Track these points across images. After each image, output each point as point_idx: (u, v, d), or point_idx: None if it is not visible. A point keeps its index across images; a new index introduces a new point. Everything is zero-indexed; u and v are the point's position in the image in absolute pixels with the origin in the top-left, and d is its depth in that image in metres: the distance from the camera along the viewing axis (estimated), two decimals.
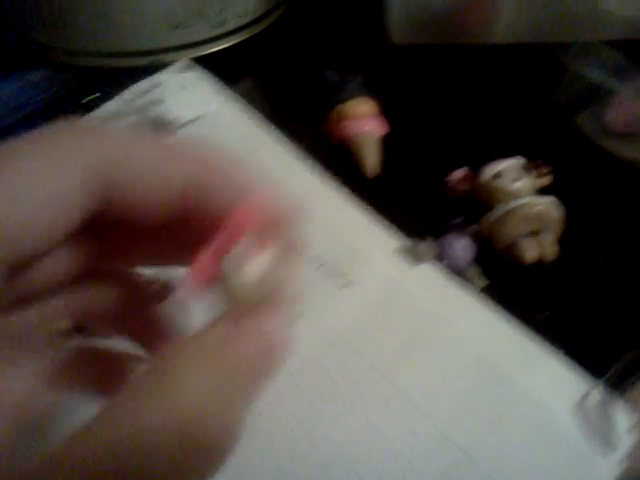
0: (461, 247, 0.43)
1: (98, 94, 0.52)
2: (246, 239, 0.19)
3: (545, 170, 0.46)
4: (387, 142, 0.51)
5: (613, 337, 0.41)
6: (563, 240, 0.44)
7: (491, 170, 0.45)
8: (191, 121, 0.50)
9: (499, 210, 0.43)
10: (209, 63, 0.56)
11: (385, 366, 0.38)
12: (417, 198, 0.49)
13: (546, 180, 0.46)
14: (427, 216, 0.47)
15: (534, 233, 0.43)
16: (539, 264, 0.43)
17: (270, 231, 0.20)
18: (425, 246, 0.43)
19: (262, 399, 0.19)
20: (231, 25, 0.58)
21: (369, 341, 0.39)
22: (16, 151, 0.17)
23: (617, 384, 0.38)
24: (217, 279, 0.19)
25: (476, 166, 0.47)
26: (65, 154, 0.17)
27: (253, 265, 0.19)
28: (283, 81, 0.58)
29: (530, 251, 0.42)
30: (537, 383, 0.37)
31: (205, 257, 0.19)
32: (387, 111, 0.52)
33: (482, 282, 0.43)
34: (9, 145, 0.17)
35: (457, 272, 0.43)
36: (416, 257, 0.43)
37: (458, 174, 0.48)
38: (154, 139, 0.20)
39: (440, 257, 0.43)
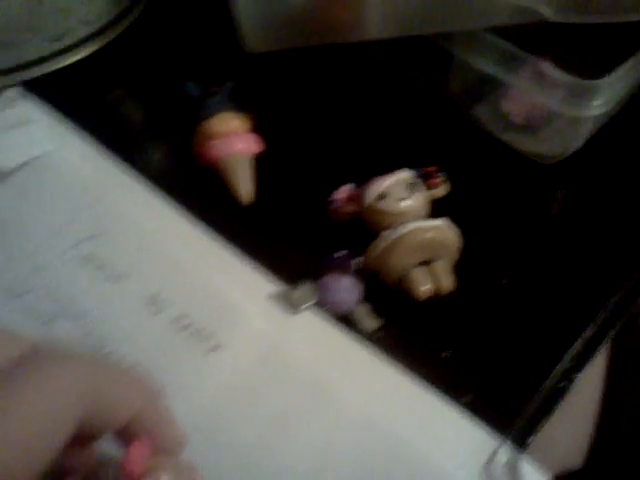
0: (343, 289, 0.37)
1: None
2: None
3: (438, 179, 0.41)
4: (261, 162, 0.44)
5: (521, 374, 0.35)
6: (462, 260, 0.38)
7: (375, 189, 0.39)
8: (21, 166, 0.42)
9: (385, 239, 0.37)
10: (47, 86, 0.48)
11: (263, 444, 0.32)
12: (296, 226, 0.42)
13: (441, 191, 0.41)
14: (307, 249, 0.40)
15: (427, 262, 0.38)
16: (436, 296, 0.37)
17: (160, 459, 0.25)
18: (301, 292, 0.37)
19: None
20: (72, 37, 0.49)
21: (242, 415, 0.33)
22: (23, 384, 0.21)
23: (524, 436, 0.33)
24: None
25: (362, 181, 0.41)
26: (61, 390, 0.22)
27: None
28: (139, 99, 0.50)
29: (423, 284, 0.36)
30: (437, 449, 0.32)
31: None
32: (259, 126, 0.46)
33: (374, 322, 0.37)
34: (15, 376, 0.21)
35: (343, 316, 0.37)
36: (293, 305, 0.37)
37: (342, 193, 0.41)
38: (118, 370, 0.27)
39: (321, 302, 0.37)
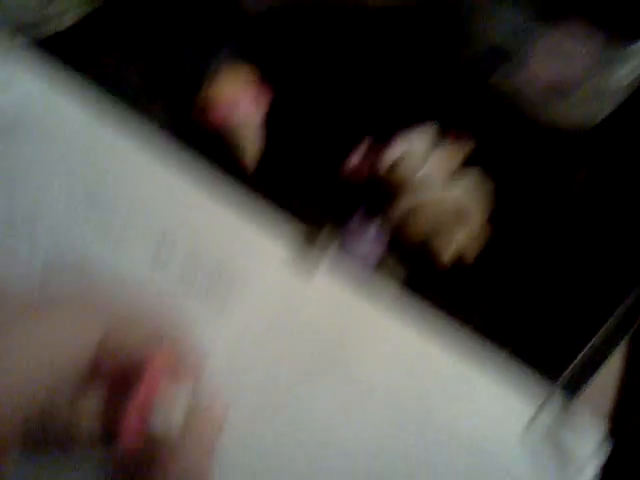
0: (367, 240, 0.34)
1: None
2: (162, 385, 0.24)
3: (462, 137, 0.38)
4: (271, 121, 0.42)
5: (559, 330, 0.33)
6: (496, 215, 0.36)
7: (394, 152, 0.37)
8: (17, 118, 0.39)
9: (402, 206, 0.35)
10: (44, 48, 0.44)
11: (270, 414, 0.29)
12: (310, 188, 0.39)
13: (466, 148, 0.38)
14: (322, 210, 0.38)
15: (449, 229, 0.35)
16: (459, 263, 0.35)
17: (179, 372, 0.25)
18: (320, 245, 0.34)
19: None
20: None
21: (252, 381, 0.31)
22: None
23: (571, 390, 0.30)
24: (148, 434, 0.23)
25: (380, 139, 0.38)
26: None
27: (176, 408, 0.24)
28: (137, 62, 0.47)
29: (445, 253, 0.34)
30: (472, 412, 0.30)
31: (132, 417, 0.23)
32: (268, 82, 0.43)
33: (399, 272, 0.34)
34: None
35: (367, 269, 0.34)
36: (311, 265, 0.34)
37: (357, 156, 0.39)
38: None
39: (343, 255, 0.34)
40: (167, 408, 0.23)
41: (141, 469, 0.24)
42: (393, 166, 0.36)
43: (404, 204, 0.35)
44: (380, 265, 0.35)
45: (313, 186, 0.39)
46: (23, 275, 0.34)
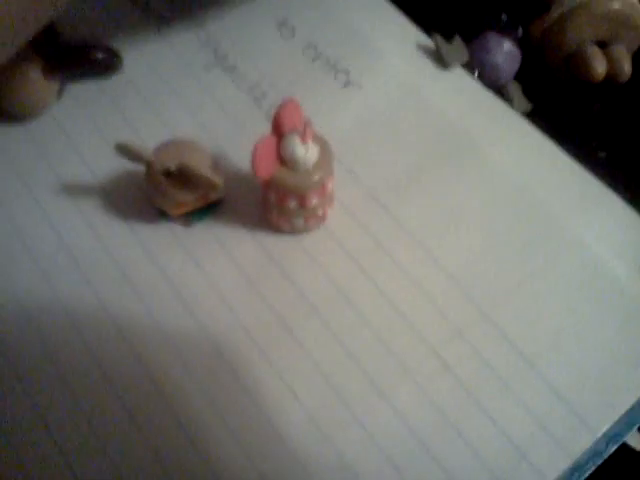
0: (502, 53, 0.31)
1: None
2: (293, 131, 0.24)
3: None
4: None
5: None
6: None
7: None
8: None
9: (562, 5, 0.31)
10: None
11: (387, 196, 0.28)
12: None
13: None
14: (463, 8, 0.34)
15: (603, 43, 0.32)
16: (606, 85, 0.32)
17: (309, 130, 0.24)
18: (454, 47, 0.32)
19: None
20: None
21: (369, 162, 0.29)
22: None
23: None
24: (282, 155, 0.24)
25: None
26: None
27: (311, 147, 0.24)
28: None
29: (600, 63, 0.31)
30: (592, 230, 0.27)
31: (267, 143, 0.24)
32: None
33: (525, 105, 0.32)
34: None
35: (494, 87, 0.32)
36: (441, 60, 0.32)
37: None
38: None
39: (473, 64, 0.32)
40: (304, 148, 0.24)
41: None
42: None
43: (560, 6, 0.31)
44: (509, 87, 0.32)
45: None
46: None
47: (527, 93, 0.33)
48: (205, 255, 0.27)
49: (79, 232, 0.27)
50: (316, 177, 0.24)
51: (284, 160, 0.24)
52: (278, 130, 0.24)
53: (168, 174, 0.25)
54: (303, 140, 0.24)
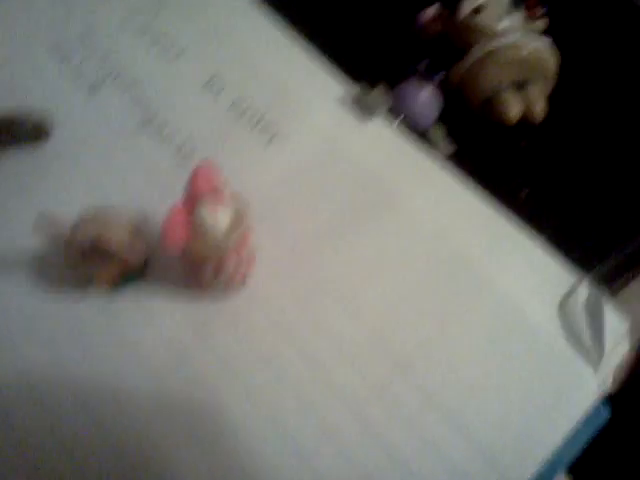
0: (423, 100, 0.32)
1: None
2: (207, 196, 0.24)
3: (539, 10, 0.35)
4: None
5: (609, 222, 0.31)
6: (554, 96, 0.33)
7: (471, 3, 0.34)
8: None
9: (477, 52, 0.32)
10: None
11: (310, 250, 0.29)
12: (378, 35, 0.37)
13: (539, 24, 0.35)
14: (387, 57, 0.36)
15: (519, 85, 0.33)
16: (522, 126, 0.33)
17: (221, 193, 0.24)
18: (376, 96, 0.32)
19: None
20: None
21: (293, 216, 0.30)
22: None
23: (606, 281, 0.29)
24: (192, 224, 0.24)
25: (450, 3, 0.35)
26: None
27: (221, 213, 0.24)
28: None
29: (515, 106, 0.32)
30: (508, 274, 0.28)
31: (179, 214, 0.24)
32: None
33: (448, 147, 0.33)
34: None
35: (417, 132, 0.33)
36: (365, 109, 0.32)
37: (430, 11, 0.36)
38: None
39: (396, 111, 0.33)
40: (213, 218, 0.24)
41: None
42: (476, 10, 0.33)
43: (480, 51, 0.32)
44: (432, 130, 0.33)
45: (381, 40, 0.37)
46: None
47: (452, 133, 0.33)
48: (129, 323, 0.27)
49: (8, 304, 0.28)
50: (228, 243, 0.25)
51: (195, 228, 0.24)
52: (191, 197, 0.25)
53: (85, 250, 0.25)
54: (213, 206, 0.24)
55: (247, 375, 0.26)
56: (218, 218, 0.24)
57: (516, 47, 0.32)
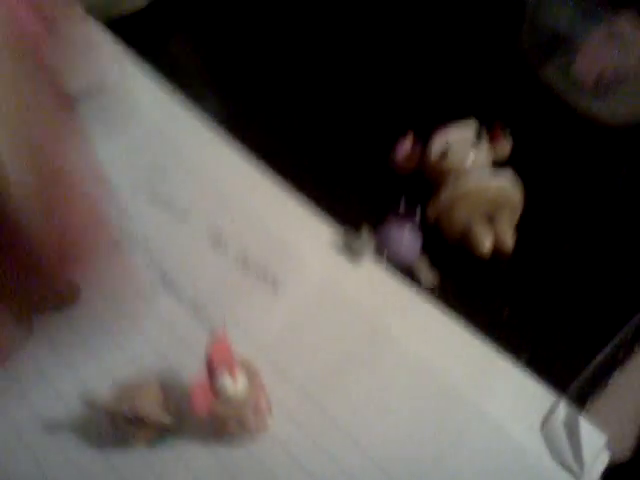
0: (404, 240, 0.37)
1: None
2: (223, 369, 0.28)
3: (502, 137, 0.40)
4: (327, 111, 0.44)
5: (580, 339, 0.35)
6: (522, 222, 0.38)
7: (439, 145, 0.39)
8: (90, 91, 0.42)
9: (447, 193, 0.37)
10: (116, 27, 0.48)
11: (318, 392, 0.33)
12: (358, 175, 0.42)
13: (503, 150, 0.40)
14: (369, 199, 0.40)
15: (489, 218, 0.37)
16: (497, 254, 0.37)
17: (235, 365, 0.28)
18: (362, 239, 0.37)
19: None
20: None
21: (300, 362, 0.34)
22: None
23: (581, 398, 0.32)
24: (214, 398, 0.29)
25: (424, 131, 0.40)
26: None
27: (239, 382, 0.29)
28: (200, 46, 0.50)
29: (486, 240, 0.36)
30: (494, 401, 0.32)
31: (202, 384, 0.29)
32: (319, 70, 0.45)
33: (431, 279, 0.37)
34: None
35: (402, 267, 0.37)
36: (353, 252, 0.37)
37: (404, 148, 0.41)
38: None
39: (381, 250, 0.37)
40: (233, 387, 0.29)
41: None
42: (444, 153, 0.38)
43: (450, 193, 0.36)
44: (415, 265, 0.37)
45: (362, 175, 0.41)
46: None
47: (435, 263, 0.38)
48: (168, 472, 0.31)
49: (58, 463, 0.32)
50: (248, 403, 0.29)
51: (218, 394, 0.29)
52: (210, 369, 0.29)
53: (127, 418, 0.30)
54: (231, 375, 0.29)
55: None
56: (237, 386, 0.29)
57: (482, 188, 0.36)
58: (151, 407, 0.30)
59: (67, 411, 0.33)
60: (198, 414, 0.29)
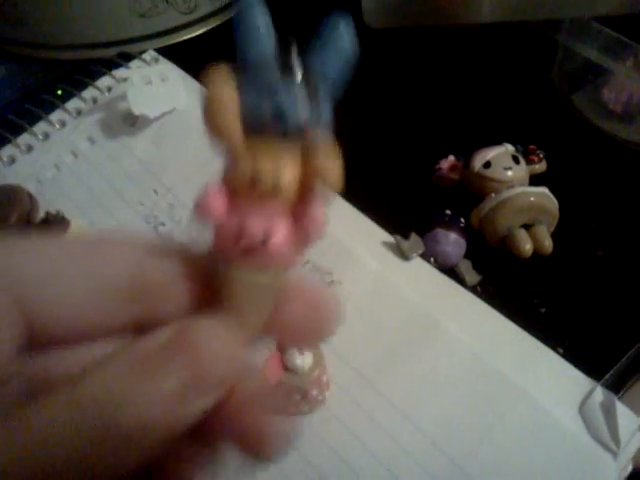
0: (450, 242, 0.40)
1: (61, 91, 0.49)
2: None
3: (538, 157, 0.44)
4: (369, 131, 0.48)
5: (613, 334, 0.38)
6: (559, 232, 0.41)
7: (481, 159, 0.42)
8: (158, 118, 0.47)
9: (491, 201, 0.41)
10: (179, 53, 0.53)
11: (372, 374, 0.36)
12: (403, 189, 0.46)
13: (540, 167, 0.44)
14: (414, 208, 0.44)
15: (528, 225, 0.40)
16: (535, 257, 0.40)
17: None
18: (412, 242, 0.40)
19: None
20: (202, 11, 0.54)
21: (355, 347, 0.37)
22: None
23: (617, 385, 0.35)
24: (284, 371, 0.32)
25: (464, 153, 0.44)
26: None
27: (306, 356, 0.33)
28: None
29: (527, 243, 0.39)
30: (535, 384, 0.35)
31: (275, 357, 0.32)
32: (369, 96, 0.49)
33: (474, 278, 0.40)
34: None
35: (447, 268, 0.40)
36: (404, 253, 0.40)
37: (447, 162, 0.45)
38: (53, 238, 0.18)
39: (429, 254, 0.40)
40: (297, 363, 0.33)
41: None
42: (488, 162, 0.42)
43: (494, 199, 0.40)
44: (460, 266, 0.41)
45: (405, 192, 0.45)
46: None
47: (477, 266, 0.41)
48: None
49: None
50: (313, 377, 0.32)
51: (287, 367, 0.32)
52: (282, 346, 0.33)
53: None
54: (300, 352, 0.32)
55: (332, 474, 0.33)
56: (305, 359, 0.32)
57: (522, 196, 0.40)
58: None
59: None
60: (270, 383, 0.32)
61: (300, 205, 0.16)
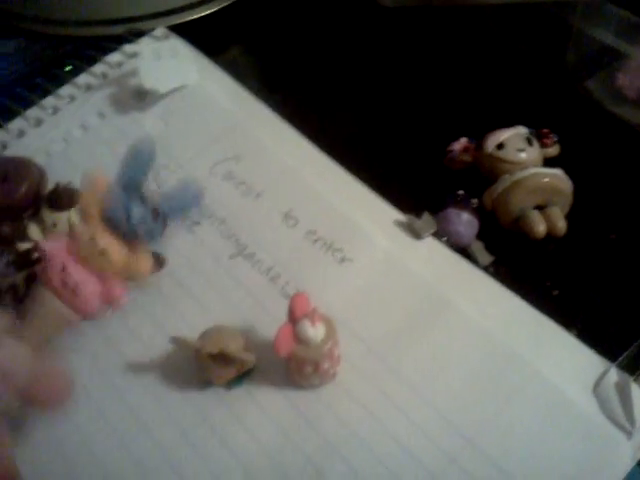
0: (462, 222, 0.40)
1: (71, 67, 0.48)
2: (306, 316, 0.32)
3: (552, 140, 0.43)
4: (383, 112, 0.48)
5: (626, 316, 0.37)
6: (572, 215, 0.41)
7: (495, 140, 0.42)
8: (168, 93, 0.47)
9: (505, 181, 0.40)
10: (189, 31, 0.52)
11: (382, 350, 0.35)
12: (415, 170, 0.45)
13: (553, 150, 0.43)
14: (426, 189, 0.43)
15: (541, 207, 0.40)
16: (548, 239, 0.40)
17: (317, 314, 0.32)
18: (424, 221, 0.40)
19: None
20: None
21: (366, 323, 0.37)
22: None
23: (632, 366, 0.35)
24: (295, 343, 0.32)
25: (476, 136, 0.44)
26: None
27: (319, 328, 0.32)
28: (271, 49, 0.54)
29: (540, 224, 0.39)
30: (549, 364, 0.34)
31: (286, 328, 0.32)
32: (381, 77, 0.49)
33: (487, 259, 0.40)
34: None
35: (460, 248, 0.40)
36: (416, 232, 0.40)
37: (459, 144, 0.44)
38: None
39: (441, 233, 0.40)
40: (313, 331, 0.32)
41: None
42: (497, 147, 0.41)
43: (507, 180, 0.40)
44: (472, 246, 0.40)
45: (418, 172, 0.45)
46: None
47: (489, 248, 0.41)
48: (244, 411, 0.34)
49: (144, 401, 0.35)
50: (325, 349, 0.32)
51: (299, 339, 0.32)
52: (292, 317, 0.32)
53: (212, 356, 0.32)
54: (312, 323, 0.32)
55: (344, 450, 0.32)
56: (317, 331, 0.32)
57: (536, 177, 0.40)
58: (236, 347, 0.33)
59: (152, 359, 0.36)
60: (280, 355, 0.31)
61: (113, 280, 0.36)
